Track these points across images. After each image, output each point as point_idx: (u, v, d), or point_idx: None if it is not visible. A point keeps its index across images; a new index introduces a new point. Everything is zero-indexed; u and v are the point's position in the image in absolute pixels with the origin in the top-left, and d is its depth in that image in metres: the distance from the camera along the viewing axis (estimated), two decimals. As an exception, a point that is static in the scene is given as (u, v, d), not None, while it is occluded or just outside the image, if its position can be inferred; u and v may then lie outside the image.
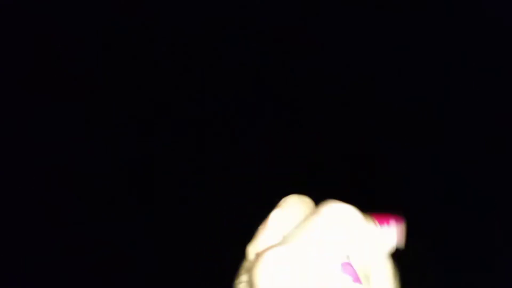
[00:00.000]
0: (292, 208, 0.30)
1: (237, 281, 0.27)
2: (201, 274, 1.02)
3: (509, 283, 1.02)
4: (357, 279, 0.27)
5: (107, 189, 1.12)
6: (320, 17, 1.28)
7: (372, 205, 1.18)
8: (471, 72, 1.23)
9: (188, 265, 1.05)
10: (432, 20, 1.27)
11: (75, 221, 1.10)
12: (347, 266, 0.27)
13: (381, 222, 0.29)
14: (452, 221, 1.10)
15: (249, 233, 0.29)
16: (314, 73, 1.24)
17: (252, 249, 0.28)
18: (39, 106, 1.19)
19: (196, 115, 1.20)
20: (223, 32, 1.25)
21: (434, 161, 1.16)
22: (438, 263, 1.07)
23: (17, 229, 1.09)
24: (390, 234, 0.29)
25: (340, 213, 0.29)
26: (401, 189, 1.13)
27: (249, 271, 0.26)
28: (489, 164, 1.15)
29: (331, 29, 1.26)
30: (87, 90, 1.22)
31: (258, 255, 0.26)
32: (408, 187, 1.14)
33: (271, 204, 0.30)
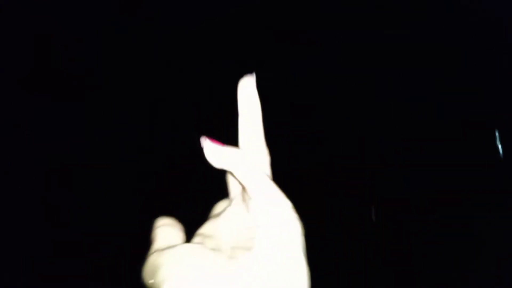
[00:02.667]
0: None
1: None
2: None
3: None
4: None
5: (107, 189, 1.12)
6: (320, 17, 1.28)
7: (372, 203, 1.17)
8: (471, 72, 1.23)
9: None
10: (432, 20, 1.27)
11: (75, 221, 1.10)
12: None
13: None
14: (451, 220, 1.10)
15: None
16: (314, 73, 1.24)
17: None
18: (39, 106, 1.19)
19: (195, 115, 1.20)
20: (223, 32, 1.25)
21: (434, 160, 1.16)
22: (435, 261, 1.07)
23: (17, 229, 1.09)
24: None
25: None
26: (401, 189, 1.14)
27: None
28: (488, 164, 1.15)
29: (331, 29, 1.26)
30: (87, 90, 1.22)
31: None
32: (408, 186, 1.14)
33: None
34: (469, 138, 1.16)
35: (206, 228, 0.34)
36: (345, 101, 1.22)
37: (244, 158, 0.30)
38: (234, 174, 0.30)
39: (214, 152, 0.31)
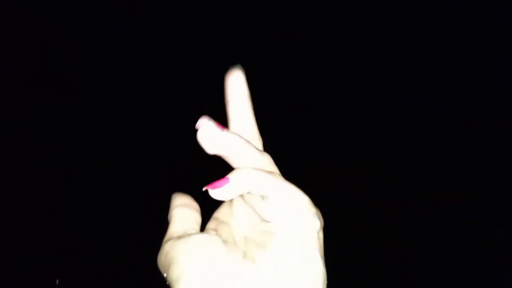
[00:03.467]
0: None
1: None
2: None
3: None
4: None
5: (107, 189, 1.12)
6: (320, 17, 1.28)
7: (372, 203, 1.16)
8: (471, 72, 1.23)
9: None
10: (432, 20, 1.27)
11: (75, 221, 1.10)
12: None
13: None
14: (451, 220, 1.10)
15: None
16: (314, 73, 1.24)
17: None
18: (39, 106, 1.19)
19: (196, 115, 1.19)
20: (223, 32, 1.25)
21: (434, 160, 1.16)
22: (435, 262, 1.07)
23: (17, 229, 1.09)
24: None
25: None
26: (401, 189, 1.14)
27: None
28: (488, 164, 1.15)
29: (331, 29, 1.26)
30: (87, 90, 1.22)
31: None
32: (408, 186, 1.14)
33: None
34: (469, 138, 1.16)
35: (221, 212, 0.34)
36: (345, 101, 1.22)
37: (252, 174, 0.29)
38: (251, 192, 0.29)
39: (223, 194, 0.29)
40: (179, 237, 0.30)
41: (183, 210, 0.33)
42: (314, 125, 1.20)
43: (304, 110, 1.21)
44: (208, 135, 0.30)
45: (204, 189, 0.29)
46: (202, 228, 0.33)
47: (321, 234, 0.28)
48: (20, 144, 1.16)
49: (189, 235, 0.30)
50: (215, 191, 0.29)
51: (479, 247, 1.07)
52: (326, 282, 0.27)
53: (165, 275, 0.29)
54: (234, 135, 0.30)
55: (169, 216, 0.33)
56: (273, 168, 0.32)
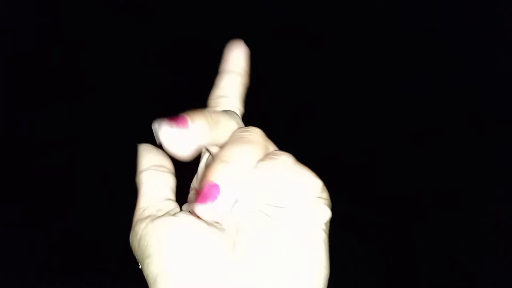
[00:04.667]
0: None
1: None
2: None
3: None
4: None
5: (107, 189, 1.12)
6: (320, 17, 1.28)
7: (374, 203, 1.16)
8: (471, 72, 1.23)
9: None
10: (432, 20, 1.27)
11: (75, 221, 1.10)
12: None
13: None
14: (451, 220, 1.10)
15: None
16: (314, 73, 1.24)
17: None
18: (39, 106, 1.19)
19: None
20: (223, 32, 1.25)
21: (433, 159, 1.16)
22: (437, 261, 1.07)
23: (17, 229, 1.09)
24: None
25: None
26: (401, 189, 1.13)
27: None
28: (488, 164, 1.15)
29: (331, 29, 1.26)
30: (87, 90, 1.22)
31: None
32: (408, 186, 1.14)
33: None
34: (469, 138, 1.16)
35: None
36: (345, 101, 1.22)
37: (257, 176, 0.24)
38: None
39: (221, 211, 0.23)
40: (153, 219, 0.25)
41: (154, 175, 0.27)
42: (314, 124, 1.20)
43: (304, 110, 1.21)
44: (175, 141, 0.24)
45: (195, 215, 0.23)
46: (179, 199, 0.28)
47: (328, 226, 0.25)
48: (20, 144, 1.16)
49: (166, 213, 0.25)
50: (210, 212, 0.23)
51: (479, 247, 1.07)
52: (327, 281, 0.24)
53: (140, 266, 0.25)
54: (199, 118, 0.25)
55: (137, 181, 0.27)
56: (258, 133, 0.27)
